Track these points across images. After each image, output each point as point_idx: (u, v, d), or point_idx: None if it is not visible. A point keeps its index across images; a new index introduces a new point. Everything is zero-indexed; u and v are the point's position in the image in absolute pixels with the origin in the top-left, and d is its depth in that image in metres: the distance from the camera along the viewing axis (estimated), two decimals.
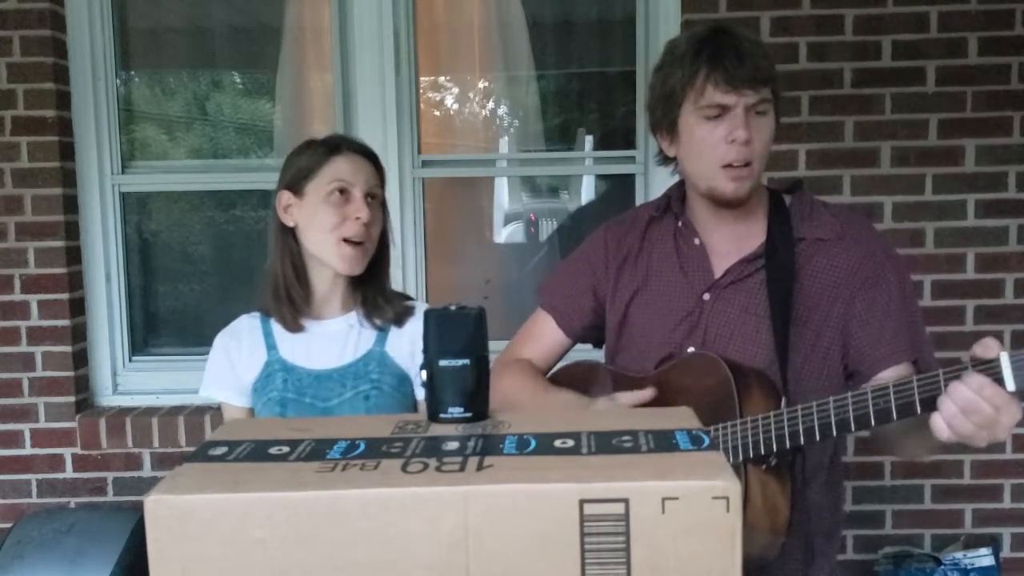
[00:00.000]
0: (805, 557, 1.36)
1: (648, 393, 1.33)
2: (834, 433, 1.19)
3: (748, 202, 1.37)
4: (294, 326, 1.54)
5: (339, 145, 1.52)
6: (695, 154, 1.35)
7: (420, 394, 1.57)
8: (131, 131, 2.86)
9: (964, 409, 1.07)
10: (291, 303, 1.53)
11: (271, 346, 1.55)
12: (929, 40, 2.47)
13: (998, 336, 2.75)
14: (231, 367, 1.56)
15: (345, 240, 1.49)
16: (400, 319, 1.57)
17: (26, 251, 2.59)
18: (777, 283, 1.34)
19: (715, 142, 1.31)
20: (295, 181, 1.52)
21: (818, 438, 1.20)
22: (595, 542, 0.65)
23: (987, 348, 1.09)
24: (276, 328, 1.56)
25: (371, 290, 1.57)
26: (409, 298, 1.64)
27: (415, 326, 1.57)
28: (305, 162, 1.52)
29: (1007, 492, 2.58)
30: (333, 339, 1.55)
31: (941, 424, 1.09)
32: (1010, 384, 1.07)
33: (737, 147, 1.29)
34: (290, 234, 1.53)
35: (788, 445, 1.21)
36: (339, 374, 1.53)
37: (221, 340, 1.59)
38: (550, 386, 1.48)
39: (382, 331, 1.56)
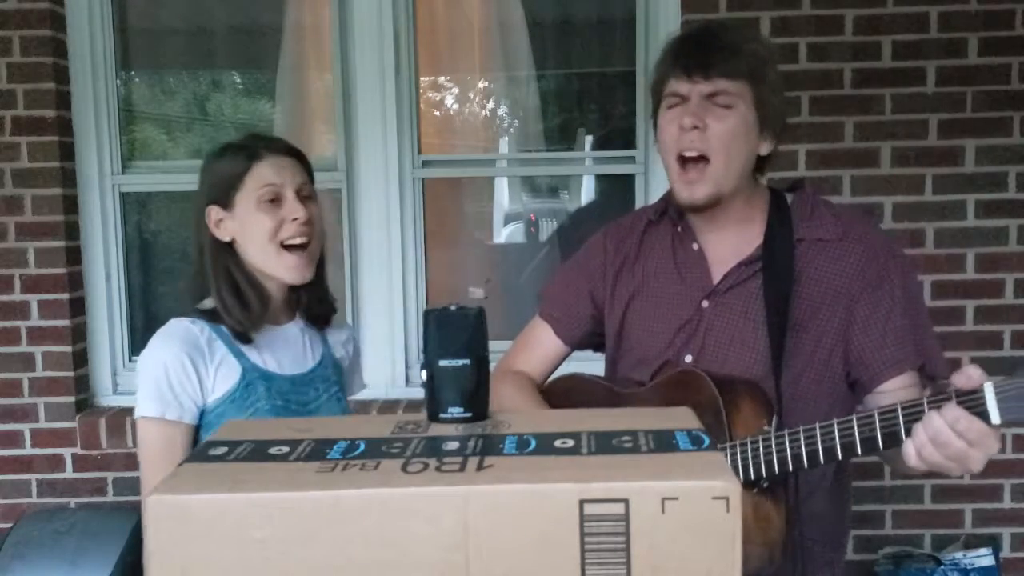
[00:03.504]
0: (796, 569, 1.32)
1: None
2: (821, 461, 1.16)
3: (725, 208, 1.34)
4: (255, 332, 1.46)
5: (259, 150, 1.45)
6: (661, 146, 1.36)
7: (352, 390, 1.68)
8: (131, 131, 2.86)
9: (934, 440, 1.05)
10: (247, 313, 1.44)
11: (238, 354, 1.44)
12: (929, 40, 2.46)
13: (998, 336, 2.75)
14: (198, 381, 1.39)
15: (286, 247, 1.43)
16: (329, 320, 1.60)
17: (26, 251, 2.58)
18: (775, 287, 1.31)
19: (672, 132, 1.31)
20: (221, 193, 1.44)
21: (806, 465, 1.17)
22: (595, 542, 0.65)
23: (970, 379, 1.05)
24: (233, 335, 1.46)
25: (313, 292, 1.54)
26: (334, 298, 1.62)
27: (341, 330, 1.64)
28: (226, 172, 1.45)
29: (1007, 492, 2.58)
30: (293, 344, 1.52)
31: (911, 452, 1.08)
32: (995, 417, 1.03)
33: (687, 135, 1.28)
34: (226, 248, 1.46)
35: (776, 472, 1.18)
36: (310, 378, 1.52)
37: (175, 351, 1.38)
38: (543, 405, 1.46)
39: (322, 333, 1.59)
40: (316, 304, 1.55)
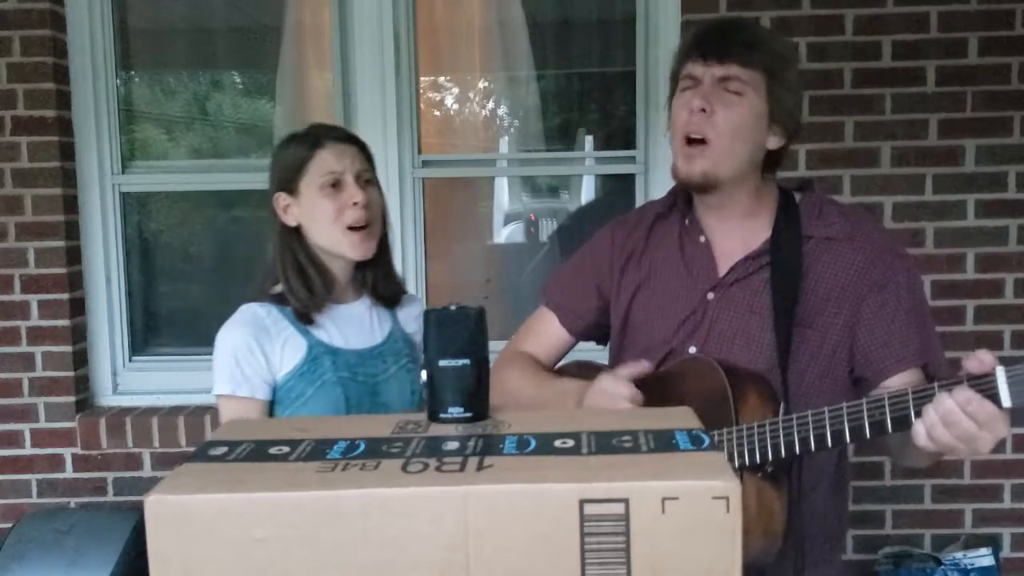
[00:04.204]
0: (797, 563, 1.33)
1: (646, 366, 1.30)
2: (829, 445, 1.17)
3: (731, 199, 1.36)
4: (318, 313, 1.55)
5: (320, 138, 1.55)
6: (671, 130, 1.37)
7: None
8: (131, 131, 2.86)
9: (944, 420, 1.06)
10: (311, 295, 1.54)
11: (304, 331, 1.53)
12: (929, 40, 2.47)
13: (998, 336, 2.75)
14: (264, 359, 1.50)
15: (349, 228, 1.52)
16: (398, 300, 1.68)
17: (26, 251, 2.58)
18: (781, 281, 1.32)
19: (683, 115, 1.33)
20: (287, 180, 1.55)
21: (813, 449, 1.18)
22: (595, 542, 0.65)
23: (982, 363, 1.07)
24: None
25: (379, 272, 1.62)
26: (401, 279, 1.71)
27: (411, 306, 1.71)
28: (291, 160, 1.55)
29: (1007, 492, 2.58)
30: (359, 320, 1.61)
31: (921, 431, 1.09)
32: (1006, 400, 1.04)
33: (695, 117, 1.30)
34: (294, 233, 1.56)
35: (784, 455, 1.19)
36: (379, 351, 1.60)
37: (242, 333, 1.50)
38: (551, 376, 1.47)
39: (391, 310, 1.66)
40: (381, 283, 1.63)
